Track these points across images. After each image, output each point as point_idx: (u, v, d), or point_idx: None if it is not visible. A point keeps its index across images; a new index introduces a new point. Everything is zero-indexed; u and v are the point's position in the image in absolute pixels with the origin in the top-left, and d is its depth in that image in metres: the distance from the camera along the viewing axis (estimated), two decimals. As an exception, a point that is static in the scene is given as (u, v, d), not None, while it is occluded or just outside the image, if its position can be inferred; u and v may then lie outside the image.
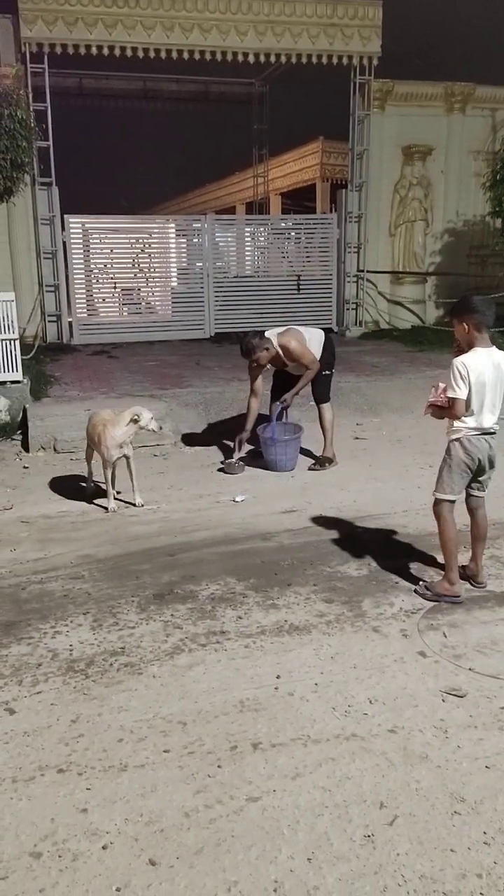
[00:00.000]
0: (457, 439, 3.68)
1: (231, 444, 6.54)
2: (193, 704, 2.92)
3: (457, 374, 3.58)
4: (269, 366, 6.22)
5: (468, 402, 3.60)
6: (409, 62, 13.84)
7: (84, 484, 5.65)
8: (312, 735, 2.75)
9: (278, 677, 3.10)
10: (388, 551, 4.41)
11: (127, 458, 5.25)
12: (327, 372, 6.29)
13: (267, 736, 2.75)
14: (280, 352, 6.04)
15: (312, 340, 6.17)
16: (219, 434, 7.17)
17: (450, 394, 3.61)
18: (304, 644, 3.36)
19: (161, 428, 5.60)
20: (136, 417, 5.15)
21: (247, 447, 6.43)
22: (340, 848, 2.26)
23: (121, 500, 5.34)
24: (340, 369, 6.64)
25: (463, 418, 3.65)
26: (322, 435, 6.36)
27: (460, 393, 3.58)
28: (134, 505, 5.29)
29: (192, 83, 16.56)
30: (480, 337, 3.63)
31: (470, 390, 3.58)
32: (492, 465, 3.76)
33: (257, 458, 6.22)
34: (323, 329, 6.54)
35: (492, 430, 3.69)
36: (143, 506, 5.28)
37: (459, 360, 3.59)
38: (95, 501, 5.45)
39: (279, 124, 18.43)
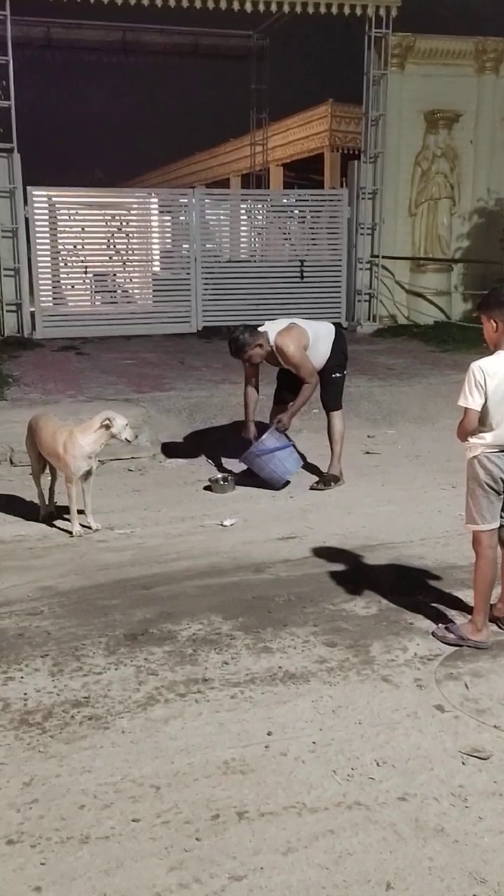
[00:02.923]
0: (474, 457, 3.68)
1: (212, 463, 6.57)
2: (169, 765, 2.92)
3: (471, 380, 3.56)
4: (263, 362, 6.22)
5: (485, 414, 3.58)
6: (434, 13, 13.95)
7: (41, 506, 5.61)
8: (308, 803, 2.75)
9: (269, 734, 3.10)
10: (401, 587, 4.42)
11: (90, 472, 5.28)
12: (338, 374, 6.31)
13: (255, 803, 2.75)
14: (276, 352, 6.04)
15: (320, 337, 6.17)
16: (206, 446, 7.19)
17: (460, 402, 3.60)
18: (300, 695, 3.36)
19: (136, 437, 5.60)
20: (107, 423, 5.16)
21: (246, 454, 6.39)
22: (339, 936, 2.26)
23: (87, 525, 5.34)
24: (350, 371, 6.67)
25: (480, 433, 3.63)
26: (329, 448, 6.38)
27: (472, 402, 3.56)
28: (90, 528, 5.30)
29: (180, 35, 16.69)
30: (512, 338, 3.63)
31: (487, 401, 3.56)
32: None
33: (251, 476, 6.23)
34: (332, 324, 6.57)
35: None
36: (97, 529, 5.30)
37: (476, 365, 3.57)
38: (58, 524, 5.45)
39: (281, 84, 18.58)
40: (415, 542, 5.09)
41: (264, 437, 6.06)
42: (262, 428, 6.27)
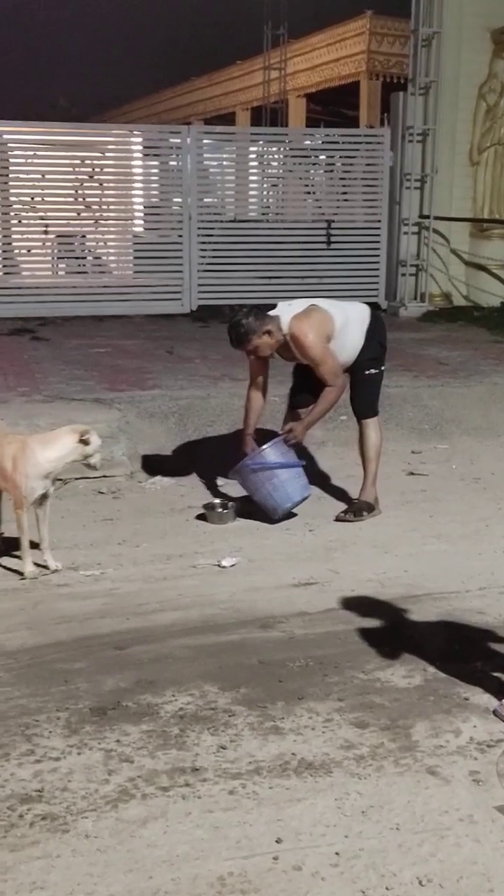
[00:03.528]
0: None
1: (207, 484, 6.61)
2: (146, 882, 2.92)
3: None
4: (274, 355, 6.23)
5: None
6: None
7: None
8: (329, 933, 2.75)
9: (279, 841, 3.09)
10: (454, 651, 4.41)
11: (45, 496, 5.30)
12: (374, 371, 6.32)
13: (259, 933, 2.75)
14: (290, 342, 6.03)
15: (350, 323, 6.16)
16: (200, 462, 7.21)
17: None
18: (320, 791, 3.35)
19: (102, 465, 5.58)
20: (85, 437, 5.18)
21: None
22: None
23: (42, 565, 5.36)
24: (390, 366, 6.69)
25: None
26: (361, 467, 6.39)
27: None
28: (47, 568, 5.32)
29: None
30: None
31: None
32: None
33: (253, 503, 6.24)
34: (367, 304, 6.59)
35: None
36: (57, 570, 5.32)
37: None
38: (4, 562, 5.47)
39: (305, -9, 18.71)
40: (472, 592, 5.09)
41: (265, 447, 6.05)
42: (266, 440, 6.27)
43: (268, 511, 6.13)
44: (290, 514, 6.20)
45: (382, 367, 6.40)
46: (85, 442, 5.16)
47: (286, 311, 6.04)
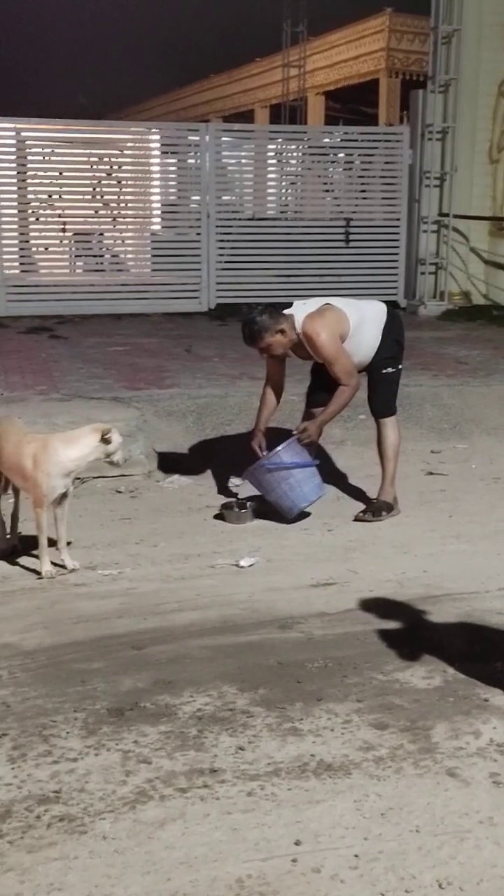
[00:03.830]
0: None
1: (233, 481, 6.59)
2: (165, 883, 2.91)
3: None
4: (290, 354, 6.21)
5: None
6: None
7: (1, 538, 5.64)
8: (348, 936, 2.74)
9: (298, 843, 3.08)
10: (474, 652, 4.40)
11: (65, 495, 5.31)
12: (391, 370, 6.31)
13: (277, 935, 2.74)
14: (303, 341, 6.02)
15: (366, 321, 6.16)
16: (218, 461, 7.21)
17: None
18: (339, 793, 3.34)
19: (126, 461, 5.57)
20: (107, 437, 5.19)
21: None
22: None
23: (60, 564, 5.37)
24: (409, 365, 6.67)
25: None
26: (380, 466, 6.38)
27: None
28: (64, 567, 5.33)
29: None
30: None
31: None
32: None
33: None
34: (385, 303, 6.58)
35: None
36: (74, 569, 5.32)
37: None
38: (22, 561, 5.48)
39: (324, -12, 18.71)
40: (492, 592, 5.06)
41: (280, 447, 6.04)
42: (281, 438, 6.26)
43: (283, 511, 6.12)
44: (304, 514, 6.19)
45: (400, 366, 6.38)
46: (107, 441, 5.17)
47: (300, 310, 6.05)
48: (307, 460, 6.11)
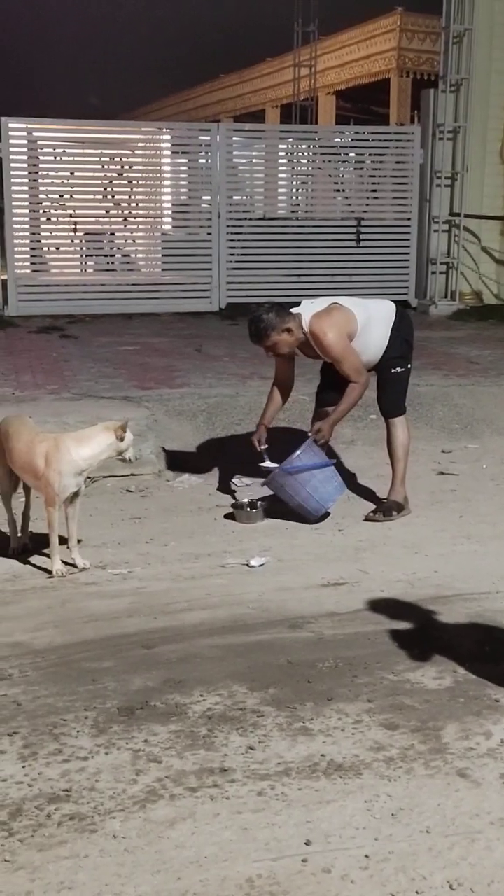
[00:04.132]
0: None
1: (238, 481, 6.58)
2: (175, 882, 2.91)
3: None
4: (297, 353, 6.19)
5: None
6: None
7: (12, 537, 5.65)
8: (358, 937, 2.74)
9: (308, 843, 3.08)
10: (483, 652, 4.39)
11: (77, 493, 5.32)
12: (400, 369, 6.31)
13: (287, 935, 2.74)
14: (310, 340, 6.00)
15: (374, 321, 6.15)
16: (228, 460, 7.20)
17: None
18: (350, 793, 3.34)
19: (138, 458, 5.56)
20: (121, 434, 5.19)
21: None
22: None
23: (70, 563, 5.37)
24: (420, 365, 6.67)
25: None
26: (390, 466, 6.37)
27: None
28: (75, 566, 5.33)
29: None
30: None
31: None
32: None
33: (283, 502, 6.22)
34: (395, 302, 6.57)
35: None
36: (85, 568, 5.33)
37: None
38: (33, 560, 5.48)
39: (335, -13, 18.71)
40: (503, 592, 5.06)
41: (298, 451, 6.03)
42: (292, 438, 6.25)
43: (307, 513, 6.10)
44: (325, 513, 6.19)
45: (409, 366, 6.38)
46: (120, 437, 5.18)
47: (308, 310, 6.04)
48: (325, 461, 6.11)
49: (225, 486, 6.85)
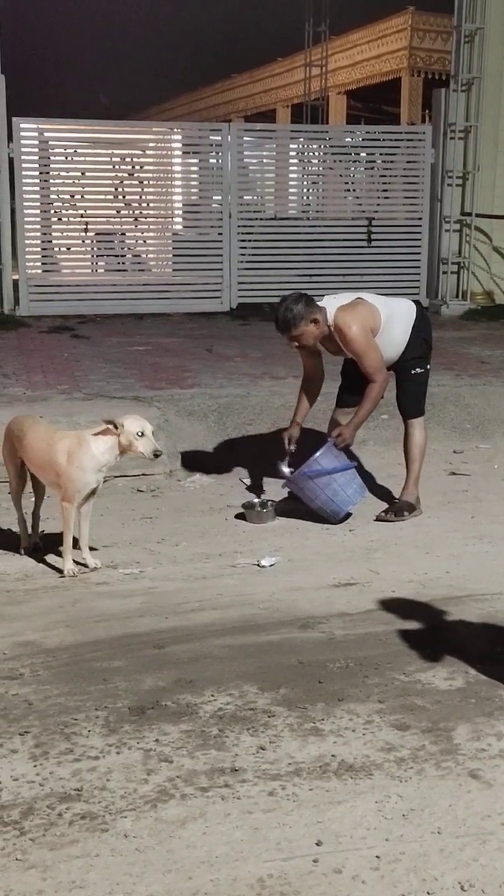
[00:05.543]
0: None
1: (247, 481, 6.57)
2: (186, 882, 2.92)
3: None
4: (318, 346, 6.17)
5: None
6: None
7: (23, 536, 5.66)
8: (370, 937, 2.73)
9: (319, 844, 3.08)
10: (495, 652, 4.38)
11: (93, 492, 5.33)
12: (419, 370, 6.30)
13: (298, 936, 2.74)
14: (334, 333, 6.00)
15: (396, 318, 6.13)
16: (239, 460, 7.21)
17: None
18: (360, 793, 3.34)
19: (158, 455, 5.48)
20: (141, 430, 5.16)
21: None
22: None
23: (82, 563, 5.38)
24: (432, 365, 6.64)
25: None
26: (403, 466, 6.38)
27: None
28: (86, 566, 5.34)
29: None
30: None
31: None
32: None
33: (299, 501, 6.22)
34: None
35: None
36: (96, 568, 5.33)
37: None
38: (45, 559, 5.49)
39: (347, -13, 18.70)
40: (515, 593, 5.06)
41: (318, 453, 6.02)
42: (312, 441, 6.24)
43: (328, 516, 6.10)
44: (345, 517, 6.18)
45: (428, 366, 6.38)
46: (141, 434, 5.10)
47: (332, 304, 6.03)
48: (346, 463, 6.10)
49: (248, 484, 6.86)
